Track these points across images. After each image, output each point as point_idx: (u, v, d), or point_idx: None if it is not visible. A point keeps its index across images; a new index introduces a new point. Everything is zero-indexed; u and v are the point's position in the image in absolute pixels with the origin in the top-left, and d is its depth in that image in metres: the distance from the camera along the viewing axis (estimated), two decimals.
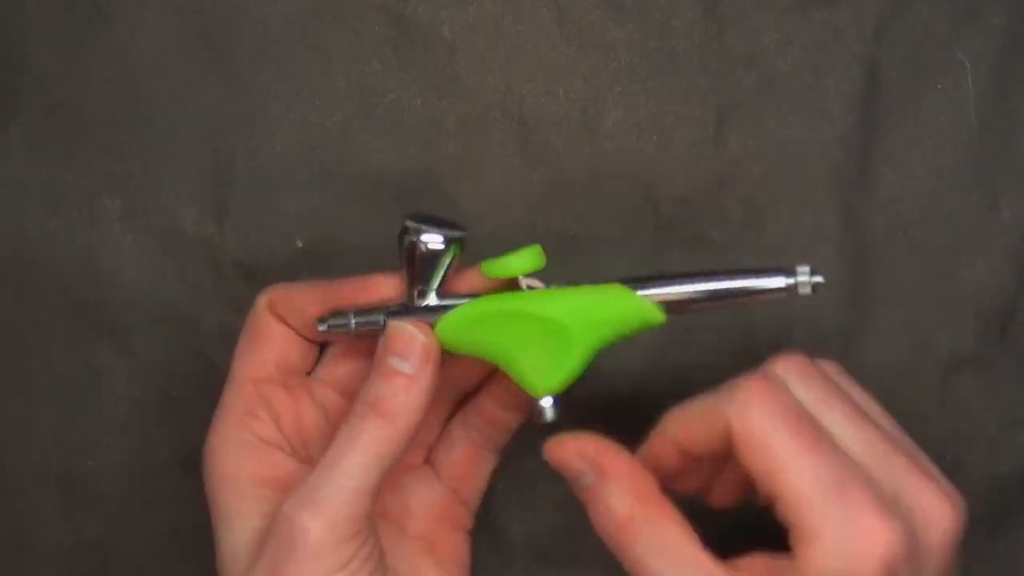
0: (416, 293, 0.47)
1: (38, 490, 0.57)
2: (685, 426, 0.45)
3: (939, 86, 0.54)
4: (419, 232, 0.46)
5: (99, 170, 0.55)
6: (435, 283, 0.47)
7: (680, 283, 0.45)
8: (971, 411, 0.55)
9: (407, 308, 0.47)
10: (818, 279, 0.44)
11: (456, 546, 0.52)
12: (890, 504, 0.41)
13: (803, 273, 0.44)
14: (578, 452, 0.45)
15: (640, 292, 0.45)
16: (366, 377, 0.46)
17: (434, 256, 0.46)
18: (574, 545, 0.57)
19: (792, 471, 0.40)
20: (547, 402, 0.47)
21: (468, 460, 0.52)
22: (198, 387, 0.56)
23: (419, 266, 0.47)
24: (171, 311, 0.56)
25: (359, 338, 0.49)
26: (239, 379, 0.50)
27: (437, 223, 0.46)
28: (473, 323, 0.46)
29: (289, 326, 0.50)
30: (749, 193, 0.54)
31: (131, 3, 0.54)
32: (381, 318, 0.47)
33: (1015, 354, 0.55)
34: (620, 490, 0.44)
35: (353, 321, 0.48)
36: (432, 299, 0.47)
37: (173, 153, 0.55)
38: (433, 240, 0.46)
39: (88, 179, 0.55)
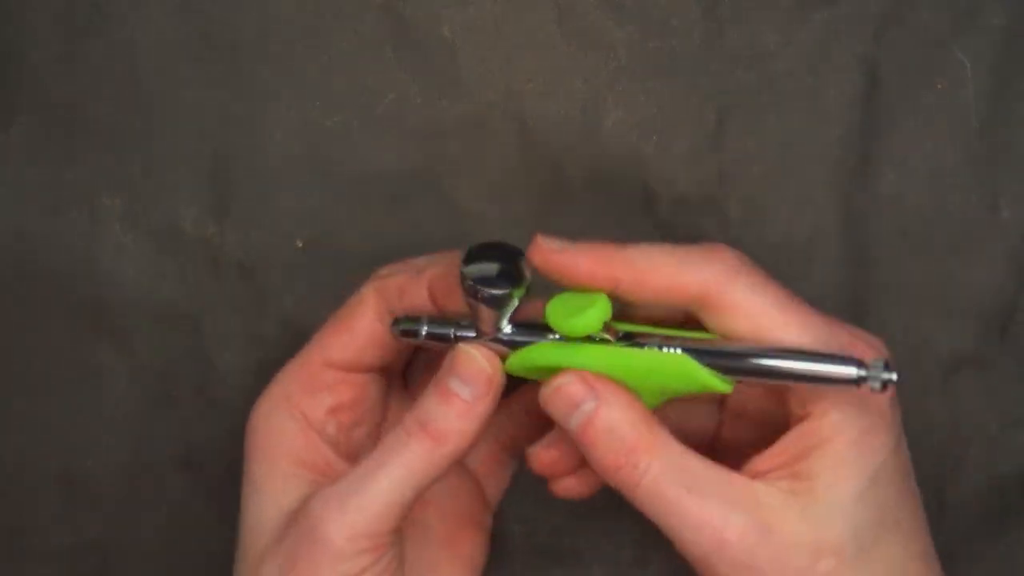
0: (485, 329, 0.45)
1: (38, 490, 0.57)
2: (656, 272, 0.43)
3: (939, 86, 0.54)
4: (480, 282, 0.43)
5: (99, 170, 0.55)
6: (500, 323, 0.45)
7: (746, 358, 0.42)
8: (971, 411, 0.55)
9: (478, 338, 0.45)
10: (891, 376, 0.41)
11: (476, 546, 0.51)
12: (864, 335, 0.43)
13: (875, 367, 0.41)
14: (579, 378, 0.43)
15: (703, 367, 0.43)
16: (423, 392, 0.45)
17: (496, 300, 0.44)
18: (574, 542, 0.57)
19: (786, 329, 0.42)
20: None
21: (493, 459, 0.52)
22: (198, 387, 0.56)
23: (483, 308, 0.44)
24: (171, 311, 0.56)
25: (429, 347, 0.47)
26: (311, 355, 0.48)
27: (499, 263, 0.44)
28: (538, 365, 0.45)
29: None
30: (749, 193, 0.54)
31: (131, 3, 0.54)
32: (452, 332, 0.46)
33: (1015, 354, 0.55)
34: (624, 413, 0.43)
35: (425, 329, 0.46)
36: (505, 328, 0.45)
37: (173, 153, 0.55)
38: (495, 292, 0.43)
39: (88, 179, 0.55)
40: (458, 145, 0.55)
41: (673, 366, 0.43)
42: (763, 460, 0.43)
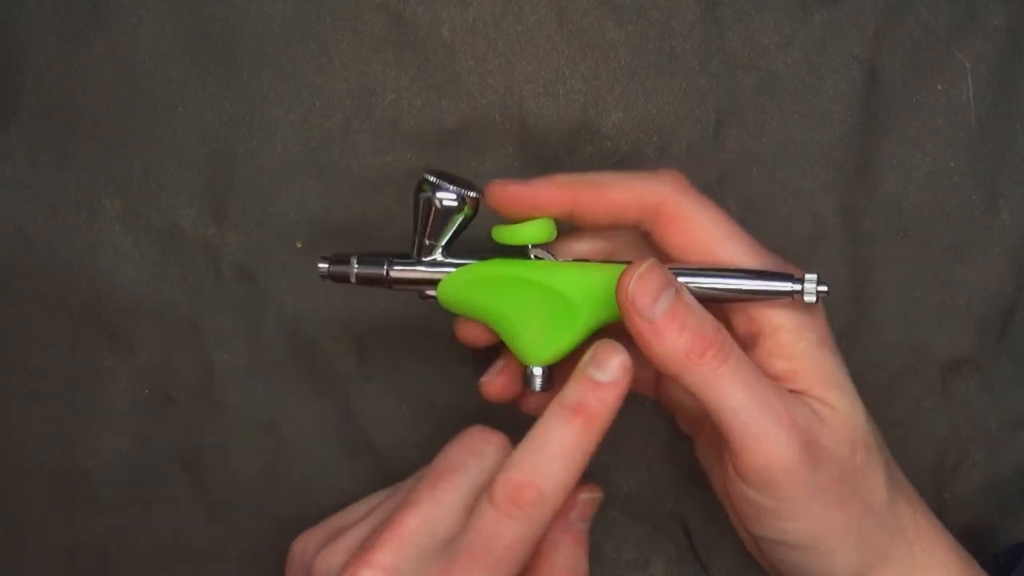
0: (424, 247, 0.47)
1: (38, 490, 0.57)
2: (613, 187, 0.46)
3: (939, 87, 0.54)
4: (436, 188, 0.46)
5: (99, 170, 0.55)
6: (444, 240, 0.47)
7: (690, 275, 0.45)
8: (971, 411, 0.55)
9: (413, 260, 0.47)
10: (823, 289, 0.44)
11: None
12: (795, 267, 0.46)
13: (810, 281, 0.44)
14: (658, 265, 0.44)
15: None
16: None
17: (448, 213, 0.46)
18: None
19: (731, 241, 0.45)
20: (538, 372, 0.47)
21: None
22: (198, 387, 0.56)
23: (432, 221, 0.46)
24: (171, 311, 0.56)
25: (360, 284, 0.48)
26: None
27: (454, 180, 0.46)
28: (478, 284, 0.47)
29: None
30: (749, 193, 0.54)
31: (131, 3, 0.54)
32: (384, 265, 0.47)
33: (1015, 354, 0.55)
34: (700, 305, 0.44)
35: (356, 267, 0.48)
36: (439, 255, 0.47)
37: (173, 154, 0.55)
38: (448, 197, 0.46)
39: (88, 179, 0.55)
40: (458, 145, 0.55)
41: (615, 277, 0.45)
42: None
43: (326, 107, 0.55)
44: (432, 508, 0.44)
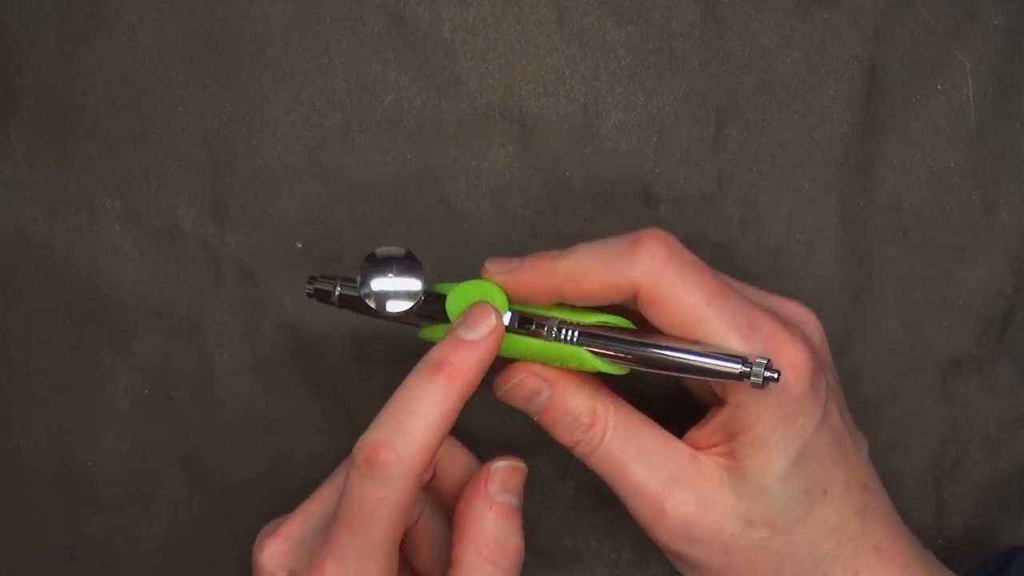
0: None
1: (38, 490, 0.57)
2: (589, 278, 0.46)
3: (939, 87, 0.54)
4: (378, 299, 0.47)
5: (99, 170, 0.55)
6: (416, 305, 0.47)
7: (640, 347, 0.45)
8: (971, 411, 0.55)
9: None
10: (773, 375, 0.43)
11: None
12: (787, 324, 0.46)
13: (759, 366, 0.43)
14: (529, 372, 0.47)
15: (599, 357, 0.46)
16: None
17: (397, 317, 0.47)
18: (574, 543, 0.57)
19: (712, 322, 0.44)
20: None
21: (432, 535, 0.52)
22: (198, 387, 0.56)
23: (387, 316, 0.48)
24: (171, 311, 0.56)
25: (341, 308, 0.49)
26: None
27: (398, 274, 0.47)
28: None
29: None
30: (749, 193, 0.54)
31: (131, 3, 0.54)
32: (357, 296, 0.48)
33: (1014, 354, 0.55)
34: (578, 391, 0.47)
35: (338, 290, 0.48)
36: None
37: (173, 154, 0.55)
38: (393, 308, 0.47)
39: (88, 179, 0.55)
40: (458, 145, 0.55)
41: (568, 354, 0.46)
42: (701, 436, 0.47)
43: (326, 107, 0.55)
44: (328, 492, 0.48)
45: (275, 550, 0.47)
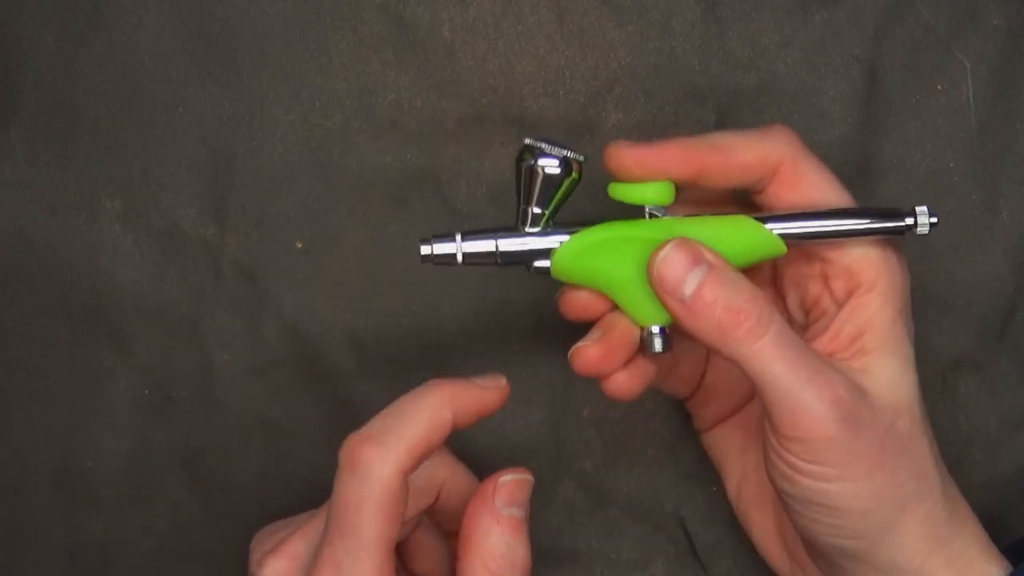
0: (531, 217, 0.46)
1: (38, 490, 0.57)
2: (736, 150, 0.46)
3: (939, 87, 0.54)
4: (539, 154, 0.45)
5: (99, 170, 0.55)
6: (551, 207, 0.46)
7: (802, 219, 0.45)
8: (971, 411, 0.55)
9: (521, 232, 0.46)
10: (935, 219, 0.45)
11: None
12: None
13: (922, 214, 0.45)
14: (688, 242, 0.44)
15: (768, 225, 0.45)
16: None
17: (553, 179, 0.45)
18: (574, 543, 0.57)
19: (845, 195, 0.47)
20: (657, 331, 0.46)
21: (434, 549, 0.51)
22: (198, 387, 0.56)
23: (538, 190, 0.45)
24: (171, 311, 0.56)
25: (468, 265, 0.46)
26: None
27: (556, 144, 0.45)
28: (596, 248, 0.45)
29: None
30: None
31: (131, 3, 0.54)
32: (494, 241, 0.46)
33: (1014, 354, 0.55)
34: (736, 271, 0.44)
35: (460, 246, 0.45)
36: (547, 225, 0.46)
37: (173, 154, 0.55)
38: (551, 164, 0.45)
39: (88, 179, 0.55)
40: (458, 145, 0.55)
41: (738, 228, 0.45)
42: (824, 343, 0.46)
43: (326, 107, 0.55)
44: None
45: (277, 567, 0.46)
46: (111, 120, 0.55)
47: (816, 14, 0.54)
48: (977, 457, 0.56)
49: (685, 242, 0.44)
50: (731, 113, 0.54)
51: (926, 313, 0.55)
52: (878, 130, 0.54)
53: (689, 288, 0.43)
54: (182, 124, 0.55)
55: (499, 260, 0.46)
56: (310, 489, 0.56)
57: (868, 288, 0.46)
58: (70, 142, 0.55)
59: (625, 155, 0.45)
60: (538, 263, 0.46)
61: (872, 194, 0.54)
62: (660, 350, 0.46)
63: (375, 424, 0.43)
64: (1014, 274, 0.54)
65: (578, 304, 0.47)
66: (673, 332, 0.46)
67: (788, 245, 0.46)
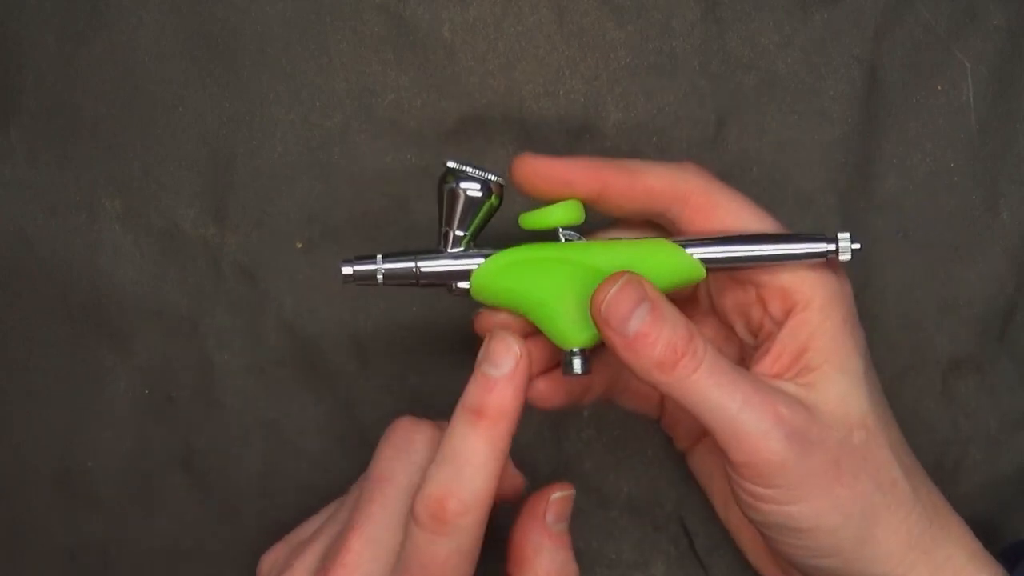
0: (452, 239, 0.46)
1: (38, 490, 0.57)
2: (643, 174, 0.46)
3: (939, 87, 0.54)
4: (460, 178, 0.45)
5: (99, 170, 0.55)
6: (472, 230, 0.46)
7: (723, 244, 0.45)
8: (971, 411, 0.55)
9: (441, 253, 0.46)
10: (856, 246, 0.45)
11: None
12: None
13: (844, 240, 0.45)
14: (634, 279, 0.44)
15: (688, 249, 0.46)
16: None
17: (474, 202, 0.45)
18: (574, 543, 0.57)
19: (763, 222, 0.46)
20: (576, 353, 0.46)
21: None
22: (198, 387, 0.56)
23: (459, 212, 0.46)
24: (171, 311, 0.56)
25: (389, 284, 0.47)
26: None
27: (478, 169, 0.45)
28: (513, 270, 0.46)
29: None
30: (749, 193, 0.54)
31: (131, 3, 0.54)
32: (413, 263, 0.46)
33: (1014, 354, 0.55)
34: (673, 308, 0.44)
35: (382, 267, 0.46)
36: (467, 247, 0.46)
37: (173, 154, 0.55)
38: (473, 187, 0.45)
39: (88, 179, 0.55)
40: (458, 145, 0.55)
41: (657, 252, 0.45)
42: (767, 365, 0.46)
43: (326, 107, 0.55)
44: (371, 528, 0.45)
45: None
46: (111, 120, 0.55)
47: (816, 14, 0.54)
48: (977, 457, 0.56)
49: (633, 280, 0.44)
50: (731, 113, 0.54)
51: (926, 313, 0.55)
52: (878, 130, 0.54)
53: (632, 327, 0.44)
54: (182, 124, 0.55)
55: (419, 281, 0.46)
56: (310, 489, 0.56)
57: (805, 305, 0.46)
58: (70, 142, 0.55)
59: (528, 167, 0.46)
60: (459, 284, 0.47)
61: (872, 194, 0.54)
62: (580, 372, 0.46)
63: (444, 477, 0.43)
64: (1014, 274, 0.54)
65: (494, 325, 0.48)
66: (592, 354, 0.47)
67: (713, 271, 0.46)
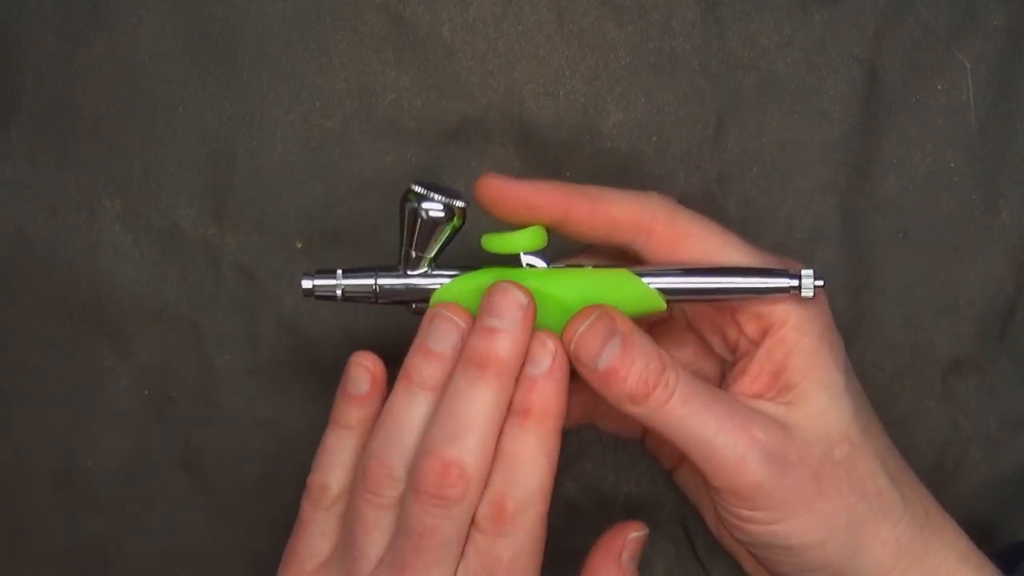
0: (412, 260, 0.46)
1: (38, 490, 0.57)
2: (608, 202, 0.46)
3: (939, 87, 0.54)
4: (421, 199, 0.45)
5: (99, 170, 0.55)
6: (433, 252, 0.46)
7: (686, 275, 0.45)
8: (971, 411, 0.55)
9: (401, 273, 0.46)
10: (819, 283, 0.45)
11: None
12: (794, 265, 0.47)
13: (807, 276, 0.44)
14: (606, 314, 0.44)
15: (646, 280, 0.45)
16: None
17: (435, 224, 0.45)
18: (573, 543, 0.57)
19: (729, 250, 0.46)
20: None
21: None
22: (198, 387, 0.56)
23: (419, 233, 0.45)
24: (171, 311, 0.56)
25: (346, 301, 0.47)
26: None
27: (440, 190, 0.45)
28: (472, 294, 0.46)
29: None
30: (749, 193, 0.54)
31: (131, 3, 0.54)
32: (373, 279, 0.46)
33: (1014, 354, 0.55)
34: (646, 338, 0.44)
35: (341, 282, 0.46)
36: (428, 268, 0.46)
37: (173, 154, 0.55)
38: (435, 208, 0.45)
39: (88, 179, 0.55)
40: (458, 145, 0.55)
41: (617, 282, 0.45)
42: (746, 384, 0.46)
43: (326, 107, 0.55)
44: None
45: None
46: (111, 120, 0.55)
47: (816, 14, 0.54)
48: (977, 457, 0.56)
49: (603, 316, 0.44)
50: (731, 113, 0.54)
51: (926, 313, 0.55)
52: (878, 130, 0.54)
53: (603, 362, 0.44)
54: (182, 124, 0.55)
55: (379, 300, 0.46)
56: None
57: (780, 325, 0.45)
58: (70, 142, 0.55)
59: (491, 188, 0.45)
60: (419, 304, 0.47)
61: (872, 194, 0.54)
62: None
63: (504, 480, 0.44)
64: (1014, 274, 0.54)
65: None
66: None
67: (677, 303, 0.46)
